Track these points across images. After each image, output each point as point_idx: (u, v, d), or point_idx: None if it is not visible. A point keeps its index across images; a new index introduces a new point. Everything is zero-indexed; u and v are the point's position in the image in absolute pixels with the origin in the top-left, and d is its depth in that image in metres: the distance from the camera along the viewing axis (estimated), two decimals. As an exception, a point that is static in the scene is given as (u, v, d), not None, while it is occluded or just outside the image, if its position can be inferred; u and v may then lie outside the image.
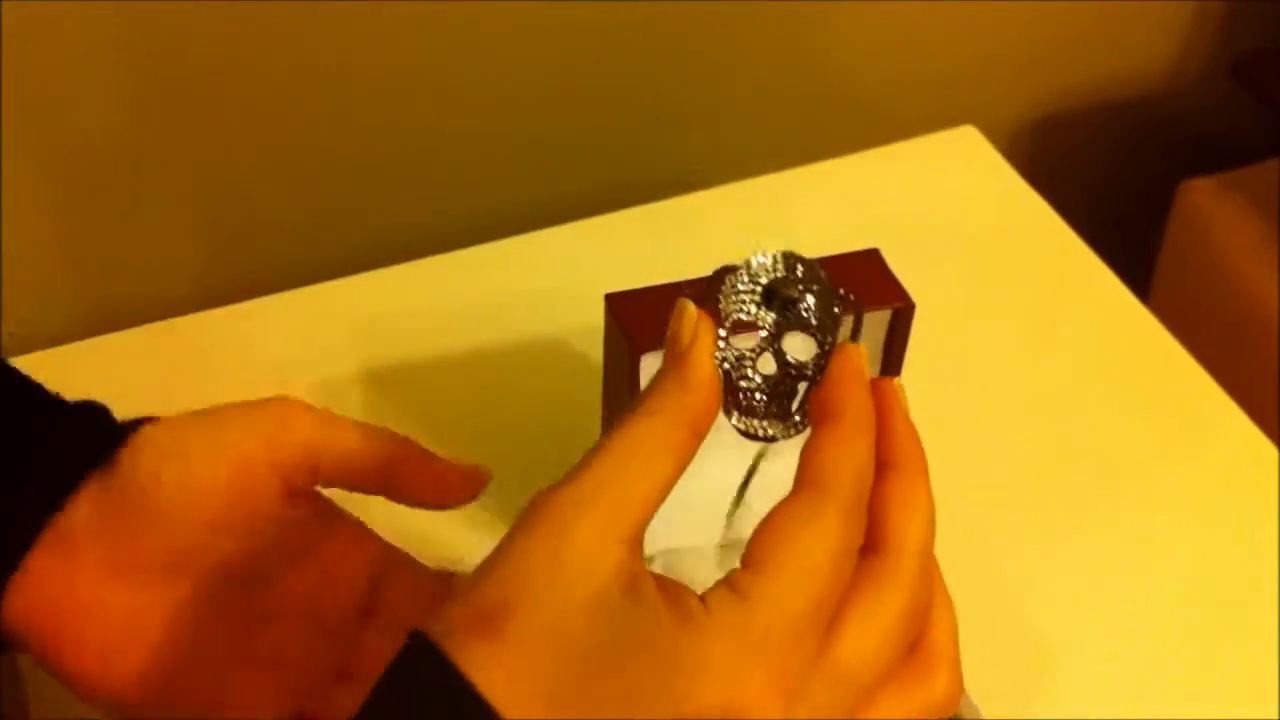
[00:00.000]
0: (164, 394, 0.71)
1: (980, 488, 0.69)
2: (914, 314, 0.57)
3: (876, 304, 0.57)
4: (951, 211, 0.82)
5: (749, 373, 0.38)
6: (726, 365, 0.38)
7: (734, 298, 0.38)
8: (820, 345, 0.38)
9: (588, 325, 0.56)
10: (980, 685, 0.57)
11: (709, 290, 0.38)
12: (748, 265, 0.38)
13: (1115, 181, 1.04)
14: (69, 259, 0.78)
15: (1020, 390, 0.74)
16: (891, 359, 0.58)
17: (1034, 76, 0.93)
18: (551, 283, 0.76)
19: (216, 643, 0.44)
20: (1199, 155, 1.05)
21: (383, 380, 0.72)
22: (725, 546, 0.60)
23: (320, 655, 0.46)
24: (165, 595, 0.43)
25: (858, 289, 0.58)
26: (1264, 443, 0.71)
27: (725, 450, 0.55)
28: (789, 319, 0.38)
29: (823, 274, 0.38)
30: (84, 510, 0.42)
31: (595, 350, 0.57)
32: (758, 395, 0.38)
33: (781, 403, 0.38)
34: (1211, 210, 1.00)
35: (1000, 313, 0.78)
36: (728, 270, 0.38)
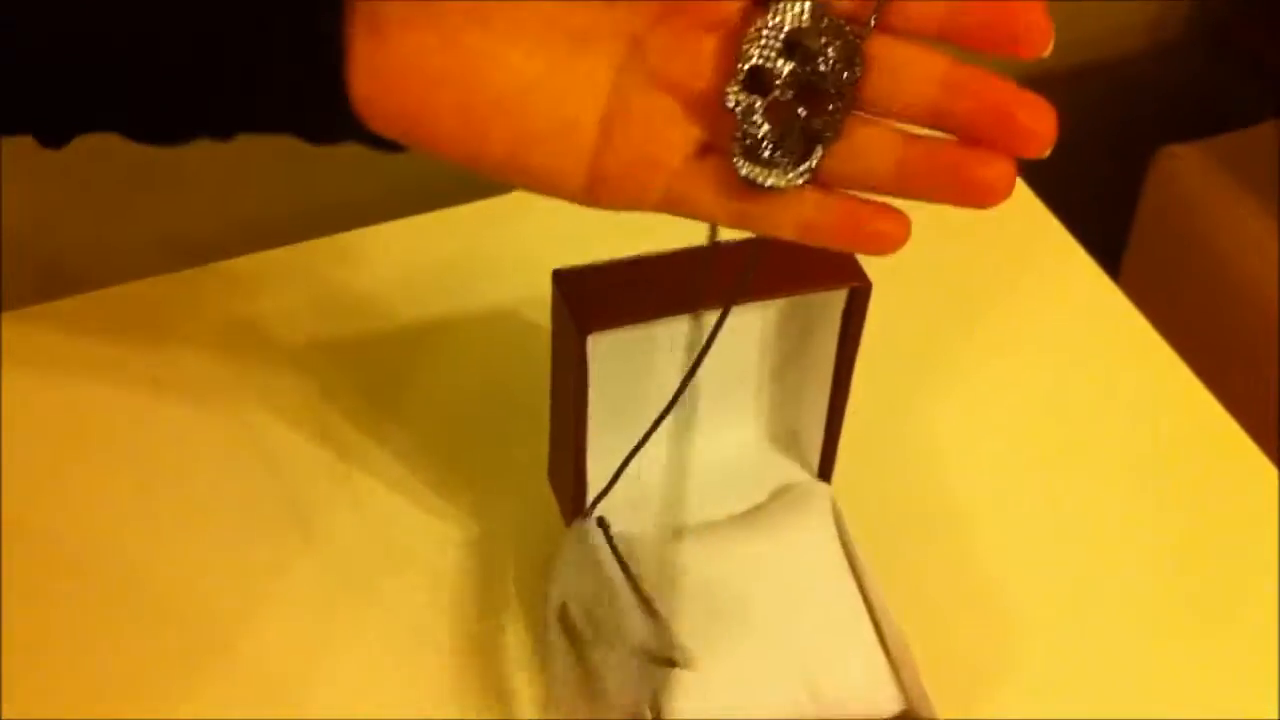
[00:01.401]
0: (111, 361, 0.71)
1: (959, 485, 0.68)
2: (870, 294, 0.55)
3: (831, 283, 0.55)
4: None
5: (758, 120, 0.37)
6: (737, 110, 0.37)
7: (755, 43, 0.37)
8: (833, 102, 0.37)
9: (543, 296, 0.55)
10: (952, 686, 0.56)
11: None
12: (775, 12, 0.36)
13: (1091, 147, 1.02)
14: (12, 223, 0.76)
15: (986, 378, 0.73)
16: (847, 342, 0.57)
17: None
18: (502, 250, 0.75)
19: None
20: (1177, 121, 1.03)
21: (334, 348, 0.70)
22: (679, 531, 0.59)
23: None
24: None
25: (812, 267, 0.57)
26: (1246, 441, 0.70)
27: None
28: (806, 72, 0.37)
29: (849, 30, 0.36)
30: None
31: (548, 320, 0.56)
32: (765, 143, 0.37)
33: (788, 156, 0.37)
34: (1190, 177, 0.99)
35: (968, 292, 0.77)
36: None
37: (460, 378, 0.70)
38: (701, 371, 0.56)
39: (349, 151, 0.40)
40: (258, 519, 0.63)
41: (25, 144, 0.41)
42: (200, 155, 0.77)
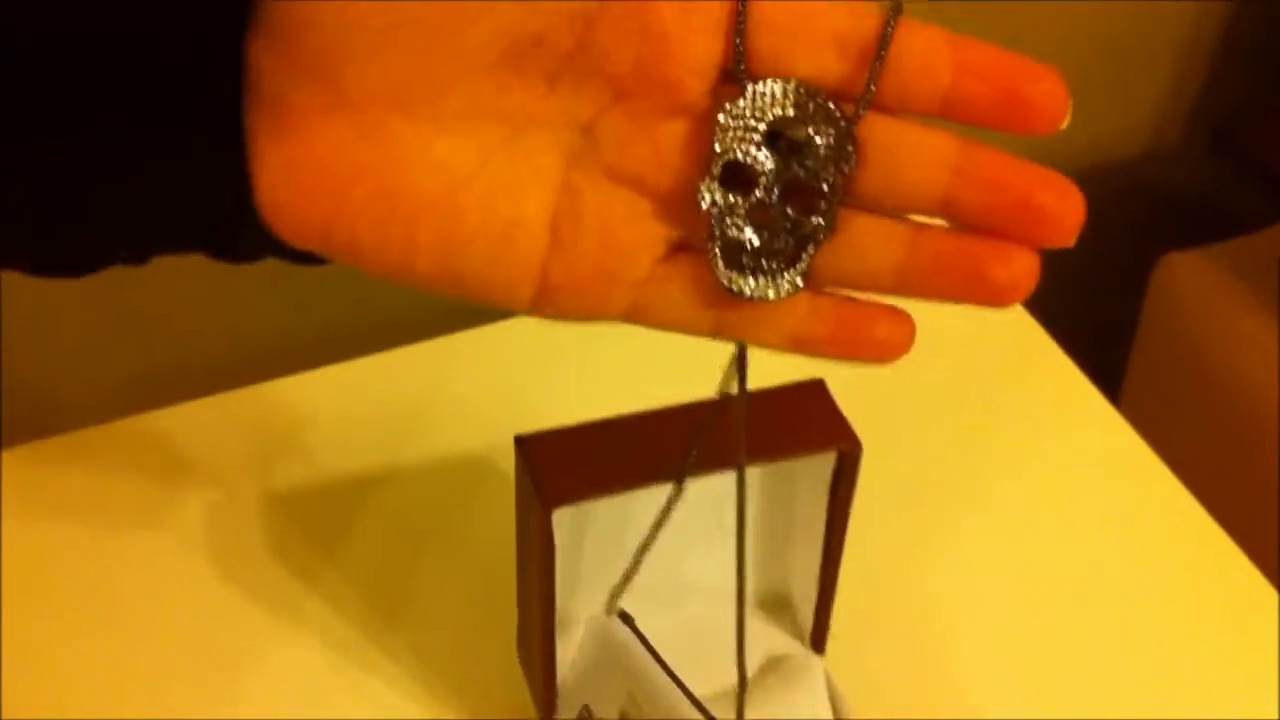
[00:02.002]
0: (52, 504, 0.66)
1: (960, 650, 0.63)
2: (861, 457, 0.51)
3: (817, 445, 0.51)
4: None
5: (739, 223, 0.32)
6: (714, 211, 0.32)
7: (731, 133, 0.32)
8: (825, 200, 0.32)
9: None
10: None
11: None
12: (752, 95, 0.32)
13: (1090, 255, 0.98)
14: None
15: (983, 526, 0.68)
16: (837, 507, 0.52)
17: (1005, 142, 0.88)
18: (464, 390, 0.70)
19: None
20: (1179, 226, 0.99)
21: (287, 498, 0.66)
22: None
23: None
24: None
25: (796, 425, 0.52)
26: (1248, 565, 0.66)
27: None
28: (793, 167, 0.32)
29: (839, 115, 0.32)
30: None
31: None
32: (747, 247, 0.33)
33: (774, 260, 0.33)
34: (1193, 284, 0.95)
35: (963, 416, 0.72)
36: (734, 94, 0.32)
37: (418, 530, 0.65)
38: (680, 533, 0.52)
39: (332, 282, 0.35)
40: (187, 672, 0.59)
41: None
42: (163, 291, 0.73)
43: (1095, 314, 0.89)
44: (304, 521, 0.65)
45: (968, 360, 0.73)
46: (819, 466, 0.52)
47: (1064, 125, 0.31)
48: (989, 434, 0.71)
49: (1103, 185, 0.99)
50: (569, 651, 0.54)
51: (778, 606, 0.58)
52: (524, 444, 0.49)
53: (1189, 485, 0.69)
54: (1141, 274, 0.95)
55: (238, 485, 0.66)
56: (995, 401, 0.73)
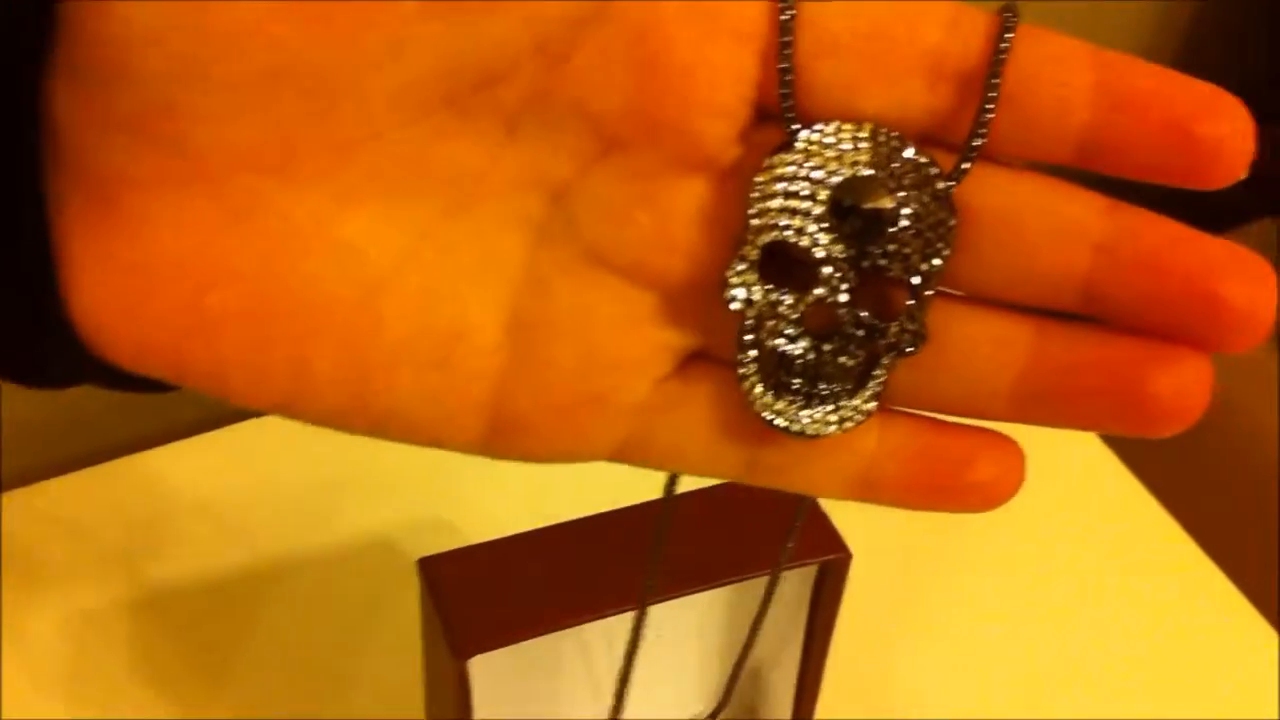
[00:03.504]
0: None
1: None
2: (849, 564, 0.42)
3: (799, 556, 0.41)
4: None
5: (788, 331, 0.23)
6: (750, 314, 0.23)
7: (776, 201, 0.22)
8: (914, 296, 0.22)
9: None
10: None
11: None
12: (807, 147, 0.22)
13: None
14: None
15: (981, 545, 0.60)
16: (819, 622, 0.43)
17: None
18: (370, 466, 0.60)
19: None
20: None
21: (156, 600, 0.55)
22: None
23: None
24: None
25: (772, 532, 0.43)
26: (1240, 599, 0.60)
27: None
28: (869, 251, 0.22)
29: (935, 173, 0.22)
30: None
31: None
32: (798, 364, 0.23)
33: (836, 382, 0.23)
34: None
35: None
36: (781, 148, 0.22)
37: (321, 624, 0.55)
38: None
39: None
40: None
41: None
42: None
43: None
44: (178, 630, 0.54)
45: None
46: (799, 582, 0.42)
47: (1242, 176, 0.21)
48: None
49: (1090, 181, 0.91)
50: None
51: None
52: (430, 568, 0.40)
53: (1181, 519, 0.63)
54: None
55: (90, 583, 0.55)
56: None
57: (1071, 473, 0.64)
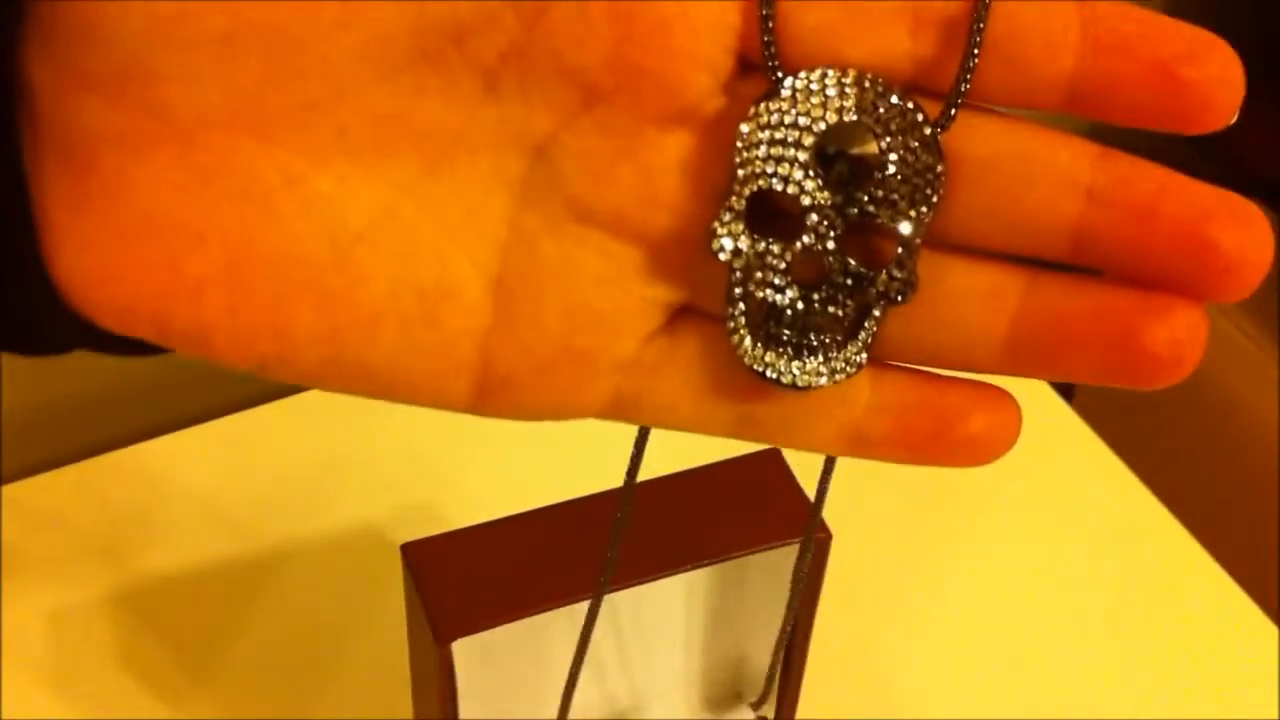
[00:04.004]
0: None
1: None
2: (831, 545, 0.42)
3: (779, 537, 0.41)
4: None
5: (775, 280, 0.23)
6: (737, 264, 0.22)
7: (762, 150, 0.22)
8: (903, 244, 0.22)
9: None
10: None
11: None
12: (793, 94, 0.22)
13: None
14: None
15: (962, 537, 0.60)
16: (801, 601, 0.43)
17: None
18: (364, 448, 0.60)
19: None
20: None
21: (139, 593, 0.55)
22: None
23: None
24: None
25: (751, 509, 0.43)
26: (1246, 601, 0.60)
27: None
28: (856, 198, 0.22)
29: (922, 119, 0.22)
30: None
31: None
32: (787, 315, 0.23)
33: (826, 333, 0.23)
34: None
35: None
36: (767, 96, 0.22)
37: (309, 616, 0.55)
38: (618, 643, 0.43)
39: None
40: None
41: None
42: None
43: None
44: (167, 622, 0.54)
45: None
46: (776, 556, 0.43)
47: (1232, 121, 0.21)
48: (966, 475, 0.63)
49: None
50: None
51: (733, 707, 0.49)
52: (413, 554, 0.40)
53: (1182, 518, 0.63)
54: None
55: (79, 578, 0.55)
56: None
57: (1069, 470, 0.64)
